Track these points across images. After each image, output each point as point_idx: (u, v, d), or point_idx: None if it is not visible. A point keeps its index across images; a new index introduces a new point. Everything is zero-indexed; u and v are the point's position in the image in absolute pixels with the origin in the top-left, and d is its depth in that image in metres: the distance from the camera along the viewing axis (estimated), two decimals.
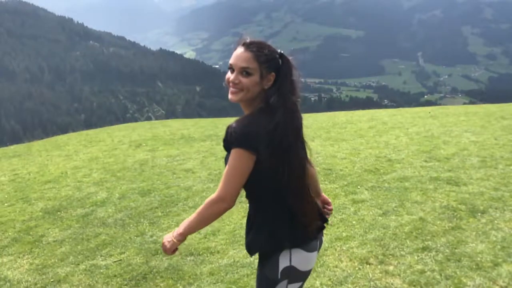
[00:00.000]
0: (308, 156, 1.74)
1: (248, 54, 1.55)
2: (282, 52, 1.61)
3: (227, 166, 1.54)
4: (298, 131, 1.62)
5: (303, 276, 1.64)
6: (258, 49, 1.56)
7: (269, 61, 1.56)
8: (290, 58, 1.63)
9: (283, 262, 1.58)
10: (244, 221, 4.25)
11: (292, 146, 1.55)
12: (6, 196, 5.86)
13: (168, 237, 1.65)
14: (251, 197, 1.69)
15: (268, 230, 1.61)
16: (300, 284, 1.66)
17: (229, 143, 1.53)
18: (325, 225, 1.76)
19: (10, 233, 4.42)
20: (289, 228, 1.60)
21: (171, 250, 1.65)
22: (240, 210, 4.44)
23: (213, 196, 1.54)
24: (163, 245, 1.66)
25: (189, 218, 1.61)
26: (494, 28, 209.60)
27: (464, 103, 59.58)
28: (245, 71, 1.54)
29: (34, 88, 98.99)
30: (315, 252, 1.66)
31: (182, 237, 1.62)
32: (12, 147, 11.62)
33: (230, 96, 1.59)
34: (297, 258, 1.59)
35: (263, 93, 1.59)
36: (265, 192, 1.62)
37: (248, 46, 1.57)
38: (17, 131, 79.77)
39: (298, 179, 1.59)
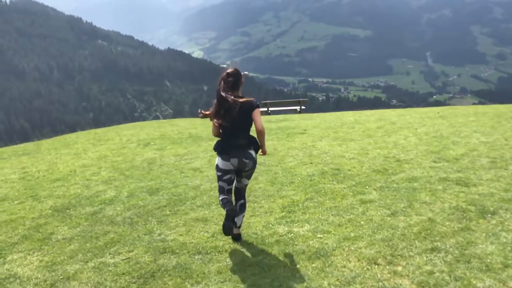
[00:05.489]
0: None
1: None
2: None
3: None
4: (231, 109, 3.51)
5: (220, 170, 3.59)
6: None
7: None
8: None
9: (216, 160, 3.62)
10: (251, 220, 4.26)
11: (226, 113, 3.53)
12: (16, 194, 5.92)
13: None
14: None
15: None
16: (220, 173, 3.60)
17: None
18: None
19: (20, 231, 4.47)
20: (219, 145, 3.62)
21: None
22: (248, 209, 4.44)
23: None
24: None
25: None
26: (504, 27, 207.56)
27: (474, 103, 59.09)
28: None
29: (43, 87, 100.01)
30: (228, 162, 3.54)
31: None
32: (21, 145, 11.75)
33: None
34: (218, 160, 3.60)
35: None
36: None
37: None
38: (26, 129, 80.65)
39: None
